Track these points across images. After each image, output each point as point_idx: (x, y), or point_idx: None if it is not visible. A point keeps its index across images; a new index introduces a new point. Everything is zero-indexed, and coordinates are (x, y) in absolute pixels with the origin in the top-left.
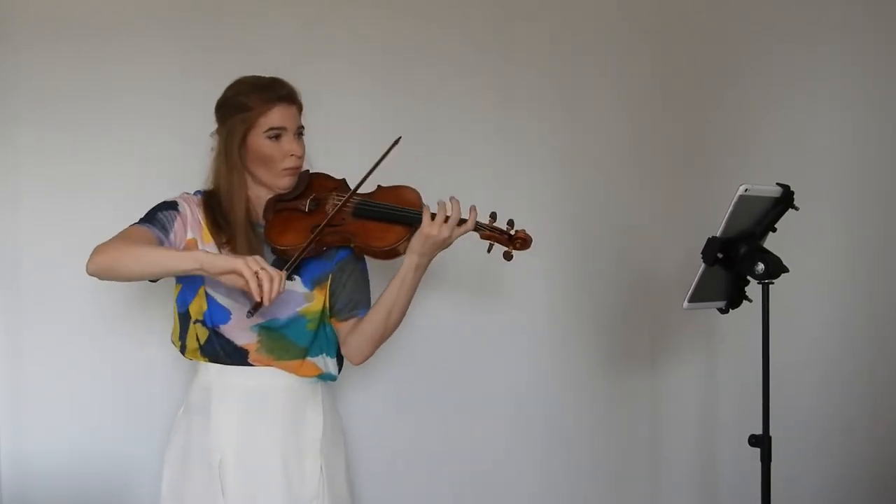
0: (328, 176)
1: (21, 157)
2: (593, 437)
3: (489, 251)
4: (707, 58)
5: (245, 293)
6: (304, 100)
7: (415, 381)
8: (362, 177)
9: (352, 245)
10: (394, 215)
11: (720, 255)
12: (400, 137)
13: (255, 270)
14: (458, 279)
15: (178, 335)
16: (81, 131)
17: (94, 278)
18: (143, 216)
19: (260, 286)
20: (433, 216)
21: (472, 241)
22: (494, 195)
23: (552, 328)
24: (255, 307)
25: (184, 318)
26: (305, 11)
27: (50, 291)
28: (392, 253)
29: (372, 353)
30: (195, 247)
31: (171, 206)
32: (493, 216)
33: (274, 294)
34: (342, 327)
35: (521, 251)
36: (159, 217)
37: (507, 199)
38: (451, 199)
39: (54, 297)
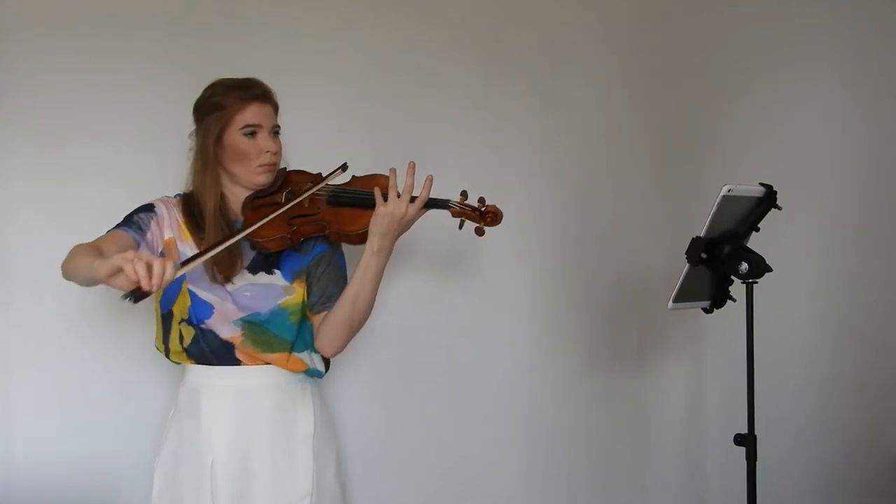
0: (304, 172)
1: (15, 158)
2: (579, 437)
3: (461, 227)
4: (690, 61)
5: (223, 286)
6: (301, 105)
7: (404, 380)
8: (332, 169)
9: (327, 232)
10: (367, 200)
11: (704, 255)
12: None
13: (130, 259)
14: (448, 278)
15: (161, 338)
16: (72, 153)
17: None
18: (120, 220)
19: (135, 272)
20: (385, 196)
21: (467, 242)
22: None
23: (538, 328)
24: (134, 292)
25: (166, 320)
26: (304, 16)
27: (40, 295)
28: (366, 236)
29: (344, 344)
30: (174, 245)
31: (147, 208)
32: (465, 194)
33: (156, 280)
34: (316, 320)
35: (493, 227)
36: (135, 220)
37: (492, 201)
38: (408, 168)
39: (45, 300)
